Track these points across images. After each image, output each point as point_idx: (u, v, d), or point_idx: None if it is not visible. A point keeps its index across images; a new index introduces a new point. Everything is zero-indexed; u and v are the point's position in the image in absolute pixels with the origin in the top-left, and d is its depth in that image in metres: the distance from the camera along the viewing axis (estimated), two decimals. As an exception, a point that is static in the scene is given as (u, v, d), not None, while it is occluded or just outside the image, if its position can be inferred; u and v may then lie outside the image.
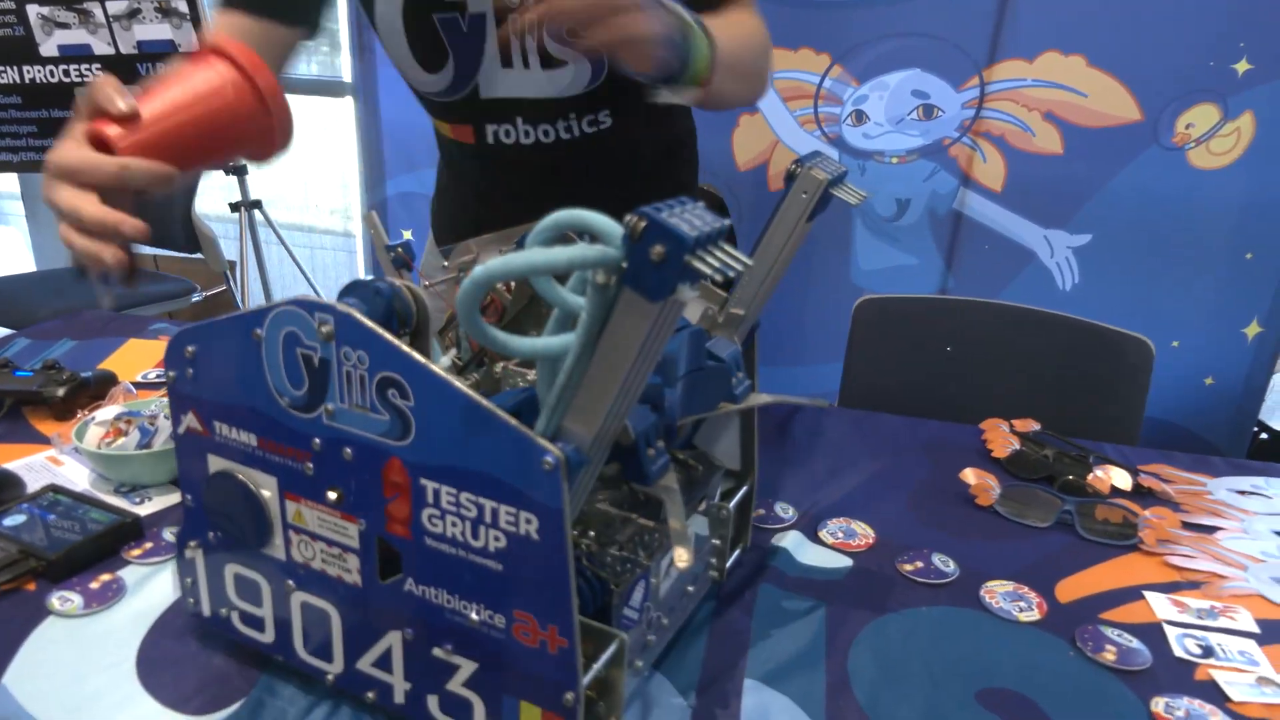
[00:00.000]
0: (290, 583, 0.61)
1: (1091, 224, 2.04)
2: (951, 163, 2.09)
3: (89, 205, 0.66)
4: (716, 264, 0.42)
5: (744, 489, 0.80)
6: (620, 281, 0.43)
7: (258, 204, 2.82)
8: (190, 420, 0.61)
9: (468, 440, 0.50)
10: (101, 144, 0.68)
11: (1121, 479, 1.00)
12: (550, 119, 1.04)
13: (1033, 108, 1.98)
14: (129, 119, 0.68)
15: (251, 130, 0.73)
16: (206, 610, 0.66)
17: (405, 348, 0.51)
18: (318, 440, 0.56)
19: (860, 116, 2.12)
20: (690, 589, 0.73)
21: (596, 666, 0.55)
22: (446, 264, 0.83)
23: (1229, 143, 1.90)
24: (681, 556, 0.53)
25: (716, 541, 0.77)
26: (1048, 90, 1.96)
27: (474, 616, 0.54)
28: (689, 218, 0.42)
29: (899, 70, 2.05)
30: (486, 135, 1.05)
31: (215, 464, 0.61)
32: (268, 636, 0.64)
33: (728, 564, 0.78)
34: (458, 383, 0.50)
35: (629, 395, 0.47)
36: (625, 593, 0.60)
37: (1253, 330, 2.03)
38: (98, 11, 2.66)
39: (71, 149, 0.68)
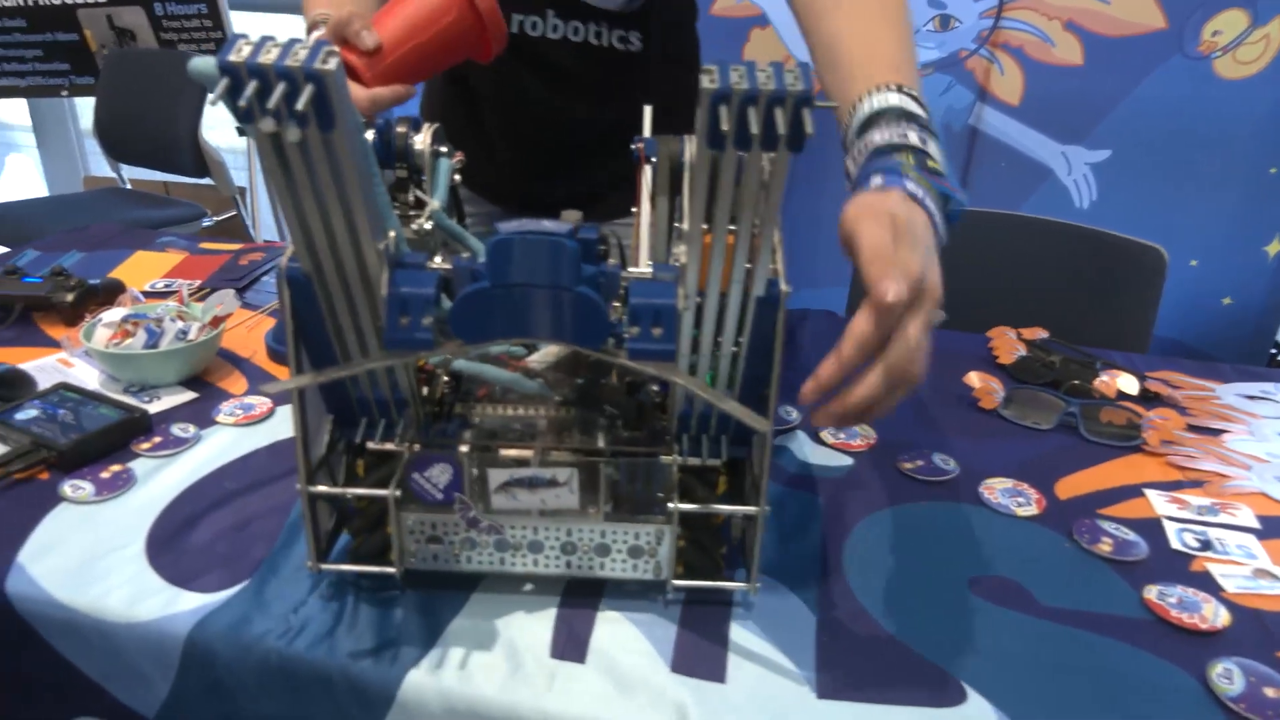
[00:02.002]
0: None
1: (1110, 139, 1.98)
2: (968, 76, 2.03)
3: None
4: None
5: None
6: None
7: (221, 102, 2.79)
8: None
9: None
10: (350, 73, 0.76)
11: (1128, 384, 0.99)
12: (582, 18, 1.01)
13: (1053, 16, 1.92)
14: (374, 52, 0.77)
15: (472, 41, 0.82)
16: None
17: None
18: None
19: (876, 29, 2.06)
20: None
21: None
22: None
23: (1257, 50, 1.84)
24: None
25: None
26: (1069, -3, 1.89)
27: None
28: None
29: (916, -20, 1.99)
30: (513, 23, 1.02)
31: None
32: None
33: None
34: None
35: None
36: (419, 459, 0.61)
37: (1275, 248, 1.99)
38: (98, -72, 2.61)
39: None
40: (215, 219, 2.74)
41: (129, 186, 2.93)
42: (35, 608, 0.63)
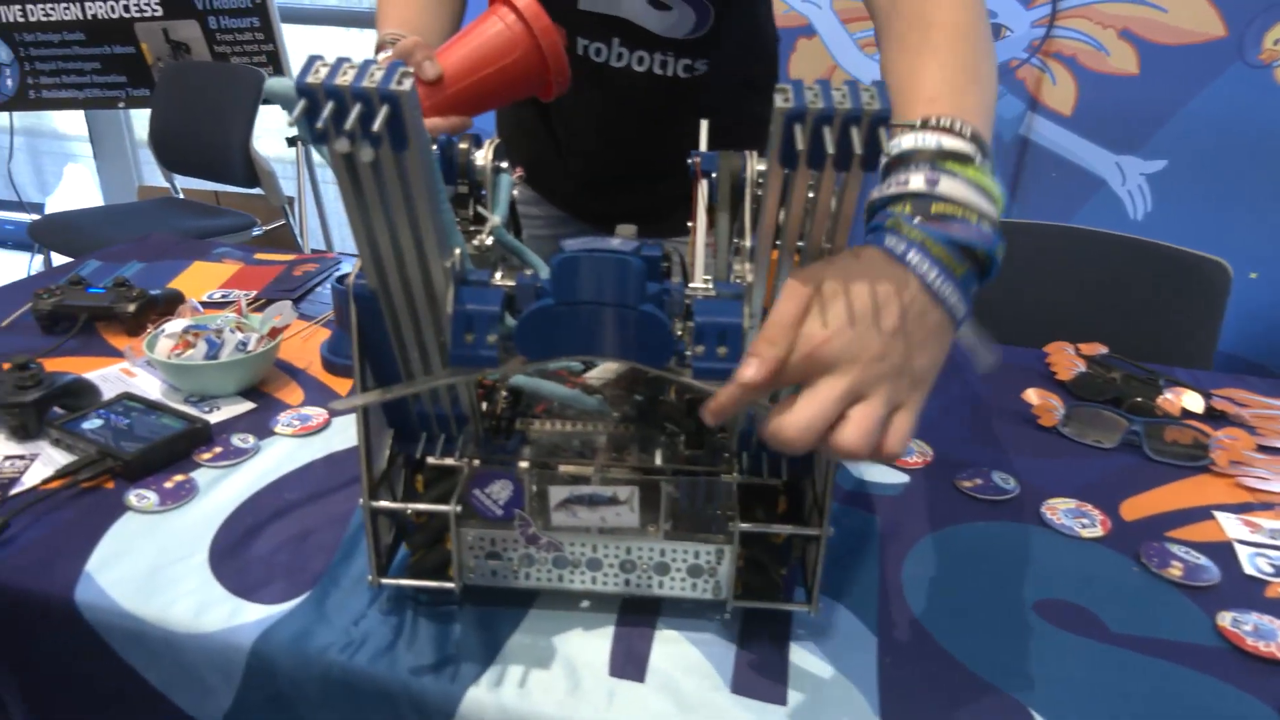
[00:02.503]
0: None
1: (1167, 149, 1.95)
2: (1019, 85, 2.00)
3: None
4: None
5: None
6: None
7: (297, 125, 2.84)
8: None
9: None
10: None
11: (1193, 401, 0.97)
12: (648, 48, 1.01)
13: (1108, 25, 1.89)
14: (435, 83, 0.77)
15: (535, 80, 0.82)
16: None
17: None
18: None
19: (924, 39, 2.04)
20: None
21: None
22: None
23: (1320, 58, 1.79)
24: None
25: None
26: (1124, 6, 1.86)
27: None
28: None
29: (966, -12, 1.96)
30: (577, 47, 1.03)
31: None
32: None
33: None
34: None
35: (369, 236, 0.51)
36: (480, 475, 0.61)
37: (1337, 261, 1.94)
38: (155, -56, 2.67)
39: None
40: (264, 228, 2.79)
41: (182, 196, 2.99)
42: (104, 617, 0.64)
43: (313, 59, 0.45)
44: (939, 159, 0.53)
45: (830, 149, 0.42)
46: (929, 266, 0.49)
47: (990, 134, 0.59)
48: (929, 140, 0.54)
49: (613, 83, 1.04)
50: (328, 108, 0.44)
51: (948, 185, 0.51)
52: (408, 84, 0.44)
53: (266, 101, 2.57)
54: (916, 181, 0.52)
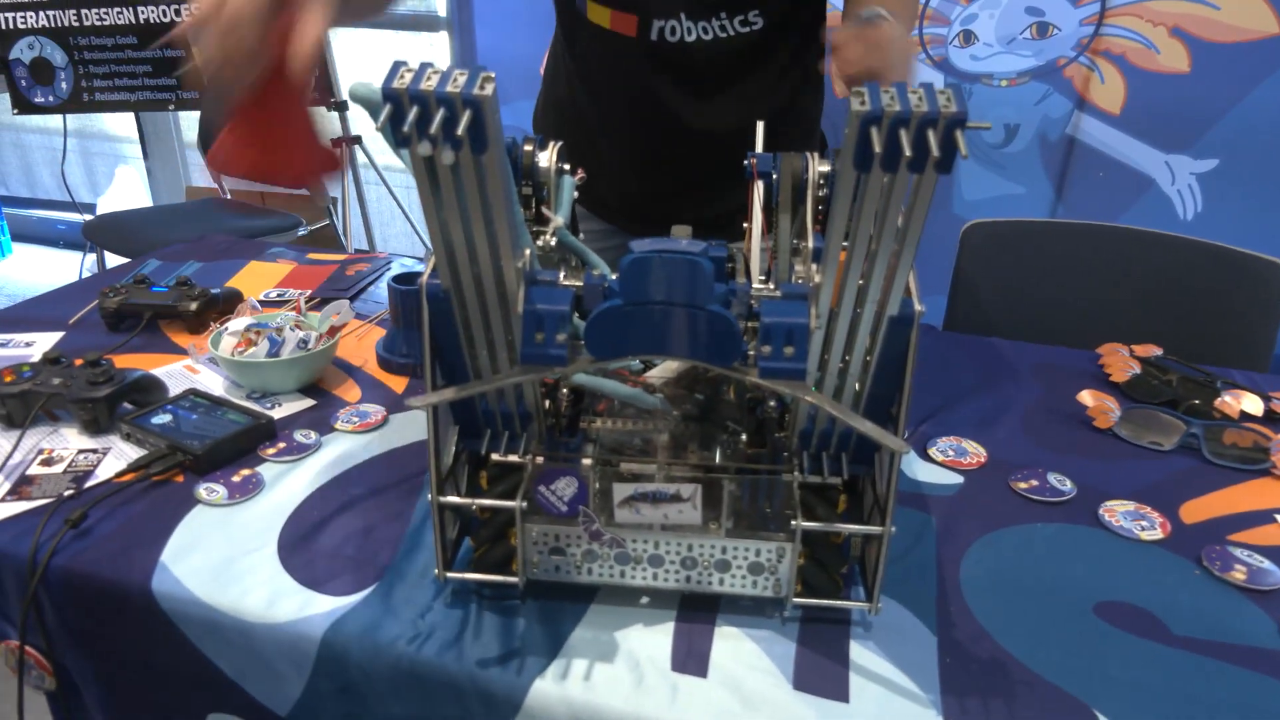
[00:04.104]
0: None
1: (1218, 148, 1.91)
2: (1066, 84, 1.98)
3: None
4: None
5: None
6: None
7: (358, 139, 2.88)
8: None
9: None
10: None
11: (1252, 404, 0.96)
12: (708, 14, 1.03)
13: (1158, 22, 1.86)
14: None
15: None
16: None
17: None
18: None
19: (968, 37, 2.03)
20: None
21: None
22: None
23: (1379, 55, 1.76)
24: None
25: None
26: (1176, 3, 1.83)
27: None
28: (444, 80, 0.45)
29: (1012, -14, 1.95)
30: (651, 31, 1.04)
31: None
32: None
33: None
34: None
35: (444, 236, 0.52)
36: (545, 472, 0.61)
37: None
38: (205, -50, 2.72)
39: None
40: (309, 228, 2.83)
41: (229, 197, 3.05)
42: (180, 606, 0.66)
43: (397, 64, 0.46)
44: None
45: (908, 151, 0.42)
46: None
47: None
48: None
49: (684, 58, 1.06)
50: (413, 112, 0.45)
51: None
52: (490, 89, 0.45)
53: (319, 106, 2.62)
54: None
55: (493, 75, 0.46)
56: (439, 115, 0.45)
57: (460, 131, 0.45)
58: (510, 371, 0.58)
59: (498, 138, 0.47)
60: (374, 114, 0.46)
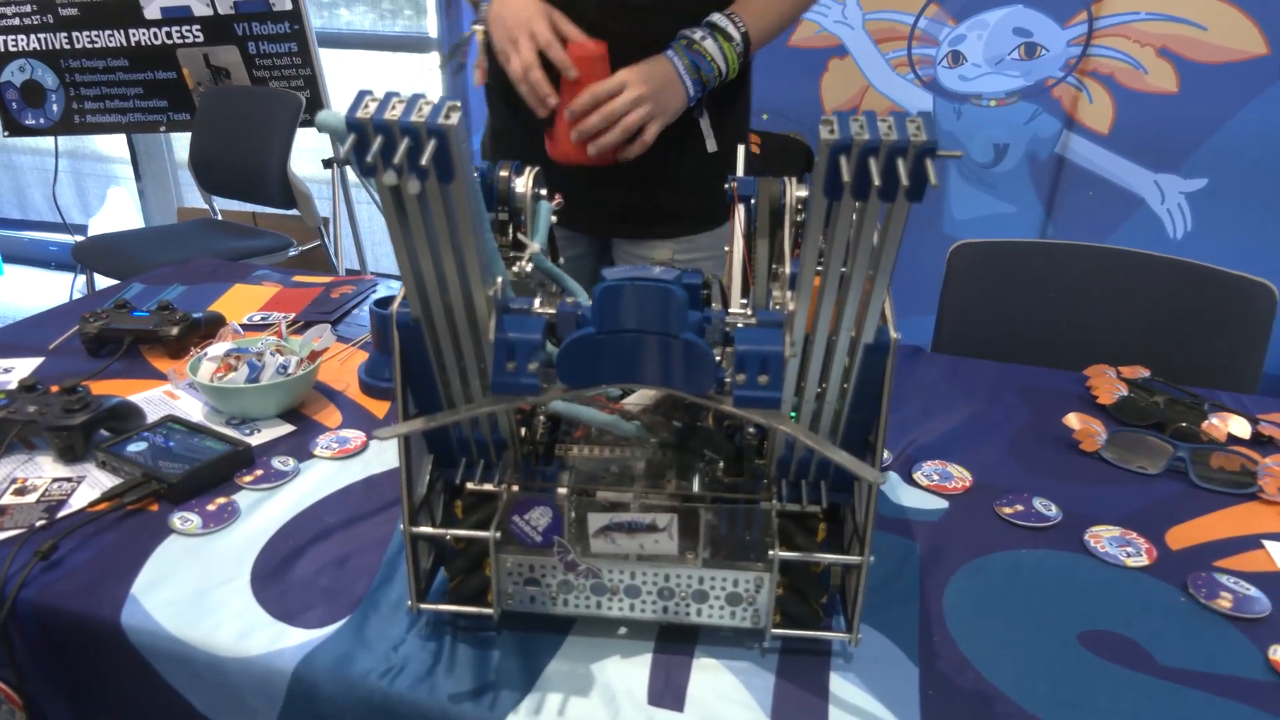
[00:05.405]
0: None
1: (1207, 167, 1.92)
2: (1055, 104, 1.99)
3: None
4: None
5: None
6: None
7: (349, 161, 2.88)
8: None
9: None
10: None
11: (1239, 427, 0.95)
12: None
13: (1146, 43, 1.87)
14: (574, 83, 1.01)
15: None
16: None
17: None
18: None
19: (957, 58, 2.04)
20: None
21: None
22: None
23: (1366, 76, 1.76)
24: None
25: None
26: (1163, 24, 1.84)
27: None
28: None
29: (1000, 7, 1.96)
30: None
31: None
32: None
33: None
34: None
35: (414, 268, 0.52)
36: (519, 502, 0.60)
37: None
38: (197, -28, 2.73)
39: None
40: (300, 249, 2.83)
41: (220, 217, 3.05)
42: (149, 640, 0.65)
43: (362, 94, 0.46)
44: (716, 31, 1.05)
45: (876, 181, 0.42)
46: (680, 65, 1.03)
47: (761, 36, 1.09)
48: (722, 21, 1.05)
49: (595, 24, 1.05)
50: (377, 142, 0.44)
51: (709, 44, 1.05)
52: (455, 118, 0.45)
53: (311, 127, 2.62)
54: (698, 34, 1.05)
55: (458, 104, 0.45)
56: (403, 145, 0.44)
57: (425, 161, 0.44)
58: (482, 401, 0.57)
59: (465, 166, 0.47)
60: (340, 142, 0.45)
